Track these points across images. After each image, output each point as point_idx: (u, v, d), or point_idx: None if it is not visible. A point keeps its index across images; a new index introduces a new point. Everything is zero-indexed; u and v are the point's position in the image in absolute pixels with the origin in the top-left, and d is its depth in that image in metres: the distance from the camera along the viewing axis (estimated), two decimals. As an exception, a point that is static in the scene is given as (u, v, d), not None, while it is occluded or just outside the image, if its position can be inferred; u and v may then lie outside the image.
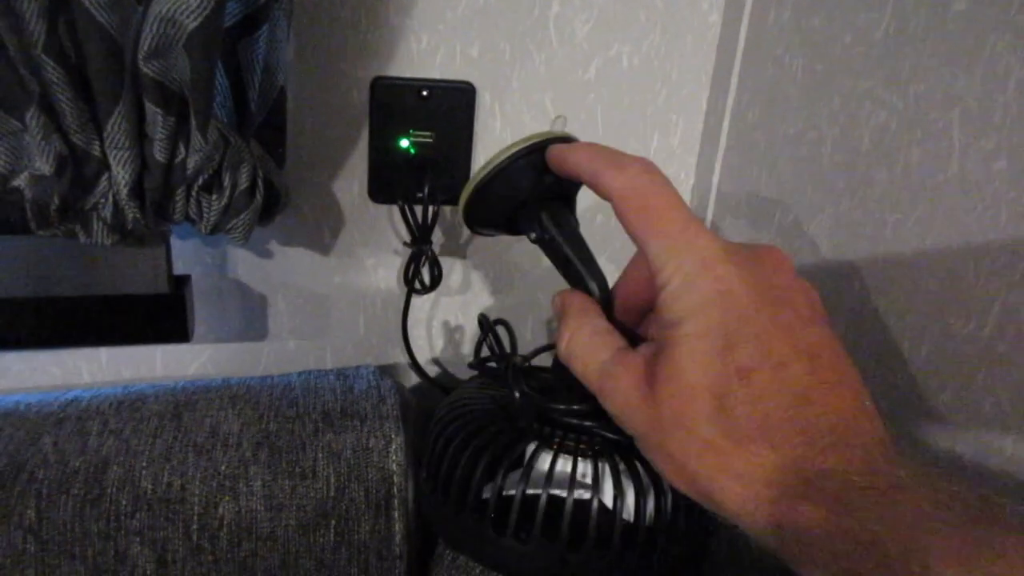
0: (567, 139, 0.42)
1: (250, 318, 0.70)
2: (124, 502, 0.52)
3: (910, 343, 0.48)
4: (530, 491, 0.48)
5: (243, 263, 0.68)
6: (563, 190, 0.44)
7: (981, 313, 0.43)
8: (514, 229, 0.45)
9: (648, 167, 0.36)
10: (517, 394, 0.50)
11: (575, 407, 0.48)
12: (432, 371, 0.77)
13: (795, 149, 0.59)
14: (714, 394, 0.31)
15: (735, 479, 0.31)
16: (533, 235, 0.43)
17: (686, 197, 0.75)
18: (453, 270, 0.73)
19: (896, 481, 0.28)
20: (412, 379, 0.77)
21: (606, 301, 0.41)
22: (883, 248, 0.50)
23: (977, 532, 0.25)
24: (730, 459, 0.31)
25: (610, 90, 0.69)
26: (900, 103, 0.49)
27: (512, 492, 0.48)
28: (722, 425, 0.31)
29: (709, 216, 0.72)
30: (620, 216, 0.36)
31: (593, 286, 0.41)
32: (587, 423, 0.49)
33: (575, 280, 0.42)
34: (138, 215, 0.53)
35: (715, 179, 0.71)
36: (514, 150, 0.42)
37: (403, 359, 0.74)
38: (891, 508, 0.27)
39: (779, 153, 0.62)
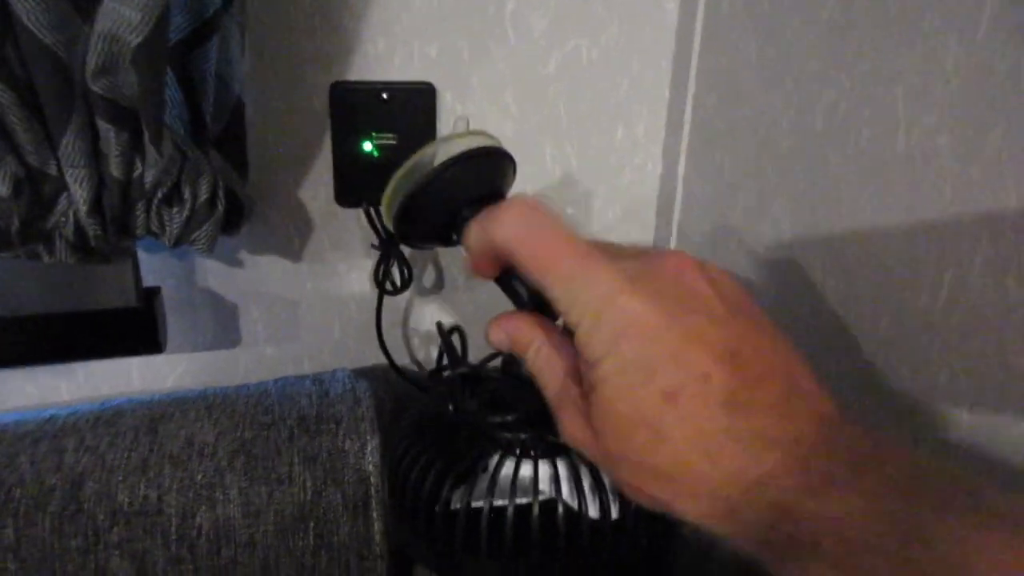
0: (490, 141, 0.42)
1: (224, 327, 0.70)
2: (101, 516, 0.52)
3: (869, 319, 0.48)
4: (475, 503, 0.49)
5: (213, 273, 0.68)
6: (497, 191, 0.43)
7: (933, 287, 0.43)
8: (450, 240, 0.42)
9: (523, 209, 0.36)
10: (451, 407, 0.51)
11: (509, 418, 0.49)
12: (410, 371, 0.77)
13: (753, 132, 0.60)
14: (648, 425, 0.31)
15: (688, 499, 0.32)
16: None
17: (653, 186, 0.75)
18: (425, 271, 0.74)
19: (828, 478, 0.28)
20: (389, 380, 0.77)
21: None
22: (840, 227, 0.51)
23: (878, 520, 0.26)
24: (678, 483, 0.32)
25: (571, 84, 0.69)
26: (848, 82, 0.49)
27: (457, 505, 0.49)
28: (663, 453, 0.31)
29: (677, 204, 0.72)
30: (519, 269, 0.36)
31: None
32: (522, 435, 0.50)
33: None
34: (99, 232, 0.53)
35: (680, 167, 0.71)
36: (439, 161, 0.40)
37: (379, 360, 0.74)
38: (823, 506, 0.28)
39: (739, 137, 0.62)
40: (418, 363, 0.78)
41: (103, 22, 0.45)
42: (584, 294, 0.32)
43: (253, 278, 0.69)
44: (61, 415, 0.59)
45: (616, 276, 0.32)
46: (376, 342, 0.72)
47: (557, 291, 0.34)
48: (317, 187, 0.67)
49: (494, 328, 0.39)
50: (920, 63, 0.43)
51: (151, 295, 0.61)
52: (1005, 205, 0.38)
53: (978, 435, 0.41)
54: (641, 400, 0.31)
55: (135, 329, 0.60)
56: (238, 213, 0.59)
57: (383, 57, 0.65)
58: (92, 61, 0.46)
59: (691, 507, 0.32)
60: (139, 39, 0.45)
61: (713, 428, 0.30)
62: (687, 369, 0.31)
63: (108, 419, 0.58)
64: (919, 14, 0.43)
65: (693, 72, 0.68)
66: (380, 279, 0.68)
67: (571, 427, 0.35)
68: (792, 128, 0.55)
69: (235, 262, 0.68)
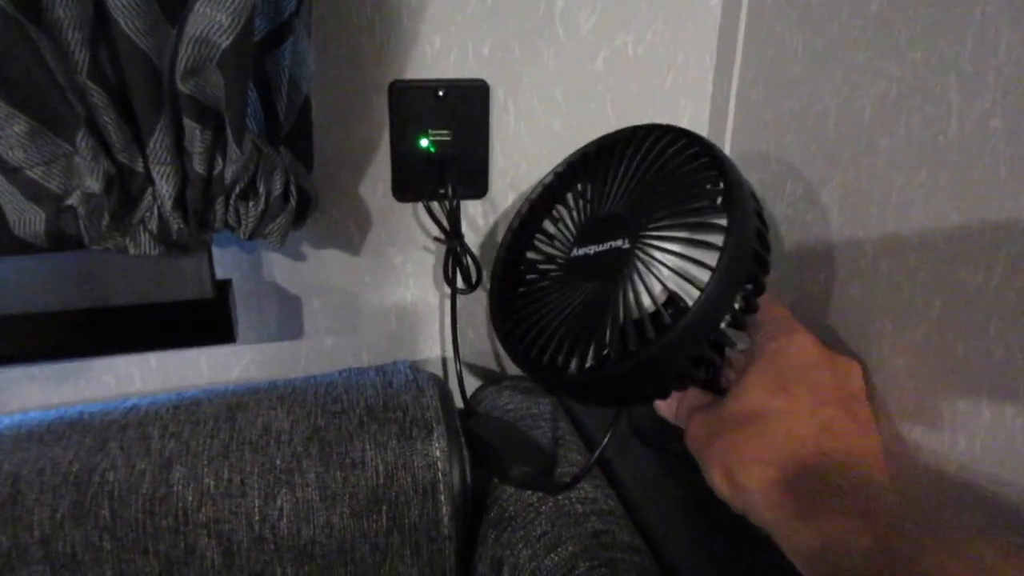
0: None
1: (287, 318, 0.73)
2: (190, 498, 0.55)
3: (923, 300, 0.50)
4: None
5: (278, 266, 0.71)
6: None
7: (988, 265, 0.45)
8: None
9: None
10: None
11: None
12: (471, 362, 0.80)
13: (801, 123, 0.62)
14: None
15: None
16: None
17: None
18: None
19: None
20: (446, 370, 0.80)
21: None
22: (892, 211, 0.53)
23: None
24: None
25: (618, 79, 0.71)
26: (898, 71, 0.51)
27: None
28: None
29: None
30: None
31: None
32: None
33: None
34: (182, 225, 0.56)
35: (725, 157, 0.73)
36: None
37: (436, 353, 0.77)
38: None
39: (785, 128, 0.64)
40: (480, 355, 0.80)
41: (193, 26, 0.48)
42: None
43: (315, 271, 0.72)
44: (143, 404, 0.62)
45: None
46: (431, 334, 0.74)
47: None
48: (376, 182, 0.70)
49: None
50: (971, 49, 0.45)
51: (224, 287, 0.64)
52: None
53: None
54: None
55: (209, 320, 0.63)
56: (305, 206, 0.62)
57: (439, 56, 0.67)
58: (181, 63, 0.49)
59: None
60: (228, 42, 0.48)
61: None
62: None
63: (187, 408, 0.61)
64: (972, 1, 0.45)
65: (737, 65, 0.70)
66: (451, 276, 0.70)
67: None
68: (841, 118, 0.57)
69: (298, 256, 0.71)
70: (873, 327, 0.54)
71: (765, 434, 0.45)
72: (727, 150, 0.73)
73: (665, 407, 0.54)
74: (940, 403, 0.49)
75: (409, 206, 0.72)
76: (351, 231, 0.71)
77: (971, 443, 0.47)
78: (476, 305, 0.78)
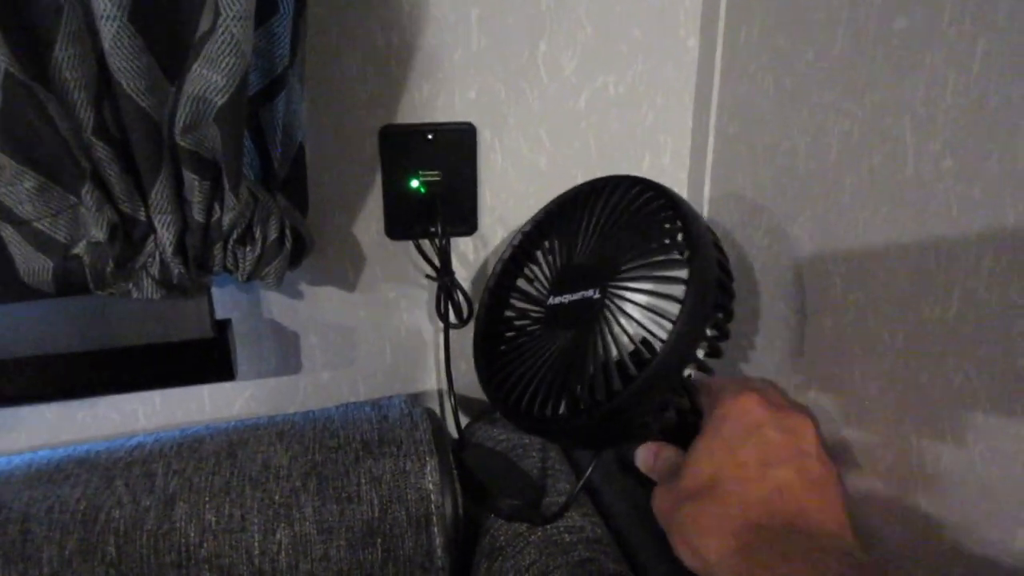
0: None
1: (286, 354, 0.75)
2: (192, 534, 0.58)
3: (888, 331, 0.53)
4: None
5: (276, 304, 0.73)
6: None
7: (945, 299, 0.47)
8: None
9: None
10: None
11: None
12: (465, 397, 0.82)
13: (772, 159, 0.64)
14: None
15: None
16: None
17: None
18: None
19: None
20: (441, 403, 0.82)
21: None
22: (858, 245, 0.55)
23: None
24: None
25: (600, 118, 0.74)
26: (860, 112, 0.54)
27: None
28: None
29: (704, 226, 0.77)
30: None
31: None
32: None
33: None
34: (182, 270, 0.59)
35: (706, 191, 0.76)
36: None
37: (431, 385, 0.79)
38: None
39: (759, 163, 0.67)
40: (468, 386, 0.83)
41: (191, 85, 0.51)
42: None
43: (311, 308, 0.75)
44: (148, 442, 0.64)
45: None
46: (426, 366, 0.77)
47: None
48: (369, 222, 0.73)
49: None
50: (923, 93, 0.48)
51: (223, 326, 0.67)
52: (1005, 222, 0.42)
53: (992, 433, 0.45)
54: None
55: (210, 358, 0.66)
56: (300, 249, 0.65)
57: (427, 101, 0.70)
58: (180, 119, 0.52)
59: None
60: (224, 100, 0.51)
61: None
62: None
63: (190, 445, 0.64)
64: (921, 49, 0.47)
65: (714, 102, 0.73)
66: (444, 312, 0.73)
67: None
68: (809, 155, 0.60)
69: (295, 294, 0.74)
70: (845, 357, 0.57)
71: (718, 503, 0.46)
72: (707, 184, 0.75)
73: (643, 462, 0.55)
74: (908, 430, 0.52)
75: (402, 244, 0.74)
76: (346, 269, 0.74)
77: (936, 466, 0.49)
78: (468, 338, 0.80)
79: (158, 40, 0.51)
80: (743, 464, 0.47)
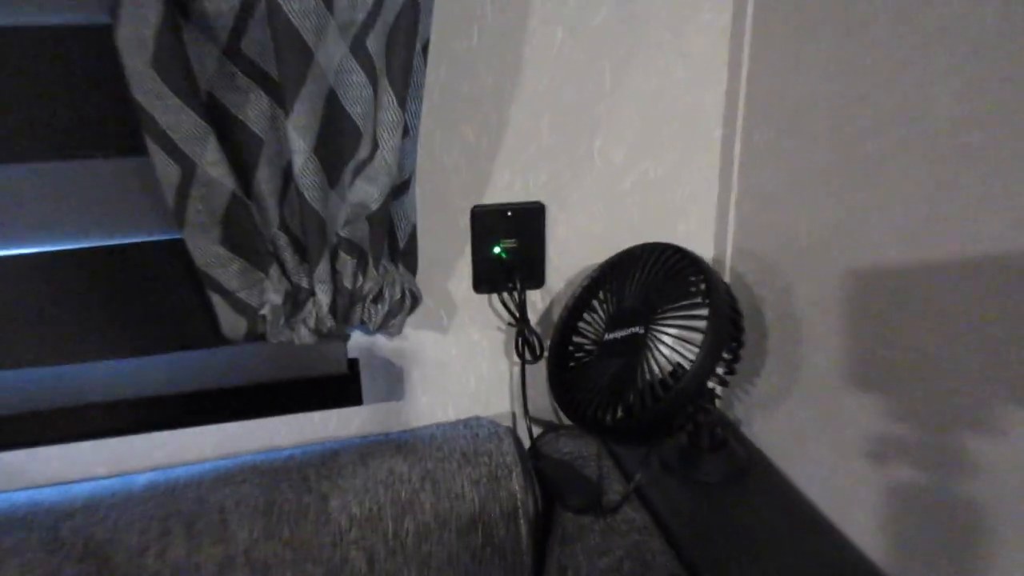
0: None
1: (393, 384, 0.95)
2: (343, 522, 0.77)
3: (921, 334, 0.71)
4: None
5: (387, 345, 0.93)
6: None
7: (981, 301, 0.65)
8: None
9: None
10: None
11: None
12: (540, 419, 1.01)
13: (779, 232, 0.83)
14: None
15: None
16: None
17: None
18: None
19: None
20: (511, 421, 1.01)
21: None
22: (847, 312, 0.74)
23: None
24: None
25: (642, 195, 0.93)
26: (852, 202, 0.72)
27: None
28: None
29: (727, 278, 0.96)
30: None
31: None
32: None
33: None
34: (332, 324, 0.78)
35: (728, 252, 0.94)
36: None
37: (505, 408, 0.98)
38: None
39: (775, 234, 0.85)
40: (542, 410, 1.02)
41: (354, 195, 0.70)
42: None
43: (414, 347, 0.94)
44: (297, 454, 0.84)
45: None
46: (501, 393, 0.96)
47: None
48: (460, 280, 0.92)
49: None
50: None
51: (353, 364, 0.86)
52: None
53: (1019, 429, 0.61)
54: None
55: (344, 388, 0.85)
56: (414, 304, 0.84)
57: (508, 185, 0.89)
58: (342, 217, 0.72)
59: None
60: (377, 205, 0.71)
61: None
62: None
63: (331, 456, 0.83)
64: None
65: (735, 185, 0.92)
66: (520, 351, 0.92)
67: None
68: (808, 232, 0.78)
69: (402, 336, 0.93)
70: (889, 360, 0.75)
71: None
72: (729, 247, 0.94)
73: None
74: (937, 416, 0.70)
75: (485, 297, 0.94)
76: (442, 317, 0.93)
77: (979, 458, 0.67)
78: (538, 372, 0.99)
79: (326, 162, 0.70)
80: None
